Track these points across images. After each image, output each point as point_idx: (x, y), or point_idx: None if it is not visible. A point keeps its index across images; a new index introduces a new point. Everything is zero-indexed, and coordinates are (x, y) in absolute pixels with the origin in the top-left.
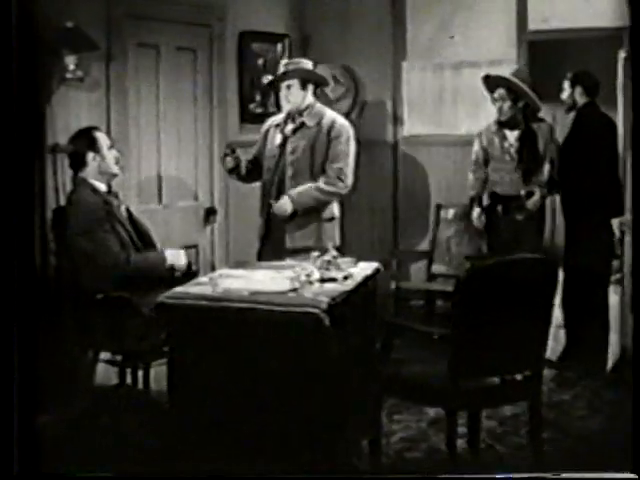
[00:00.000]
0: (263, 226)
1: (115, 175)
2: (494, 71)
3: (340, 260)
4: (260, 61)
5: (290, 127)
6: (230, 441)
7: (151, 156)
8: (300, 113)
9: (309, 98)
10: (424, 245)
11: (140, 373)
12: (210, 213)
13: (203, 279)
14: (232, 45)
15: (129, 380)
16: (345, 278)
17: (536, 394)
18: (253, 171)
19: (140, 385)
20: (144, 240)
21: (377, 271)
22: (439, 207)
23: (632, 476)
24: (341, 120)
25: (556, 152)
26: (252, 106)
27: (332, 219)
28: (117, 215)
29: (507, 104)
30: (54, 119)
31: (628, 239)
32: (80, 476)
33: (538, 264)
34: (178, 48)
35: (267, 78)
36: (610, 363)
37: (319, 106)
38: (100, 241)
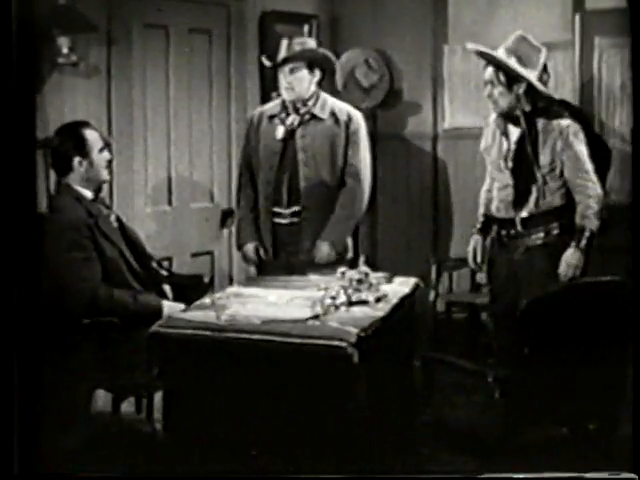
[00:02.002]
0: (269, 236)
1: (104, 181)
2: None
3: (372, 277)
4: None
5: (294, 119)
6: None
7: (160, 152)
8: (304, 103)
9: (314, 85)
10: None
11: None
12: (227, 216)
13: (207, 301)
14: (253, 27)
15: (128, 408)
16: (378, 300)
17: (612, 447)
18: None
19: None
20: (137, 254)
21: (416, 287)
22: None
23: (632, 476)
24: (353, 109)
25: (573, 167)
26: (275, 95)
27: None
28: (103, 229)
29: (498, 90)
30: (45, 110)
31: None
32: (80, 476)
33: (615, 290)
34: (190, 30)
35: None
36: None
37: (324, 94)
38: (76, 268)
